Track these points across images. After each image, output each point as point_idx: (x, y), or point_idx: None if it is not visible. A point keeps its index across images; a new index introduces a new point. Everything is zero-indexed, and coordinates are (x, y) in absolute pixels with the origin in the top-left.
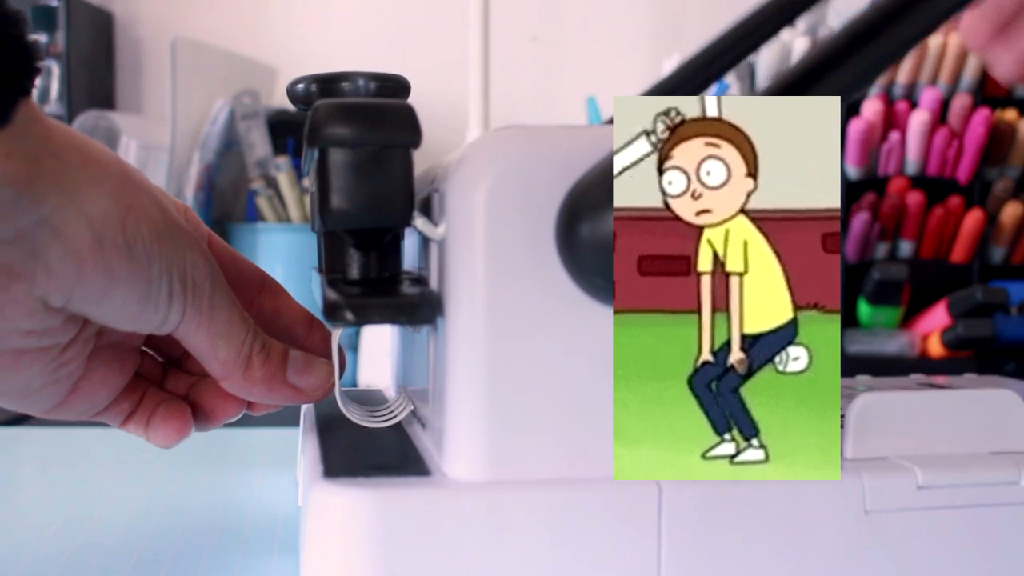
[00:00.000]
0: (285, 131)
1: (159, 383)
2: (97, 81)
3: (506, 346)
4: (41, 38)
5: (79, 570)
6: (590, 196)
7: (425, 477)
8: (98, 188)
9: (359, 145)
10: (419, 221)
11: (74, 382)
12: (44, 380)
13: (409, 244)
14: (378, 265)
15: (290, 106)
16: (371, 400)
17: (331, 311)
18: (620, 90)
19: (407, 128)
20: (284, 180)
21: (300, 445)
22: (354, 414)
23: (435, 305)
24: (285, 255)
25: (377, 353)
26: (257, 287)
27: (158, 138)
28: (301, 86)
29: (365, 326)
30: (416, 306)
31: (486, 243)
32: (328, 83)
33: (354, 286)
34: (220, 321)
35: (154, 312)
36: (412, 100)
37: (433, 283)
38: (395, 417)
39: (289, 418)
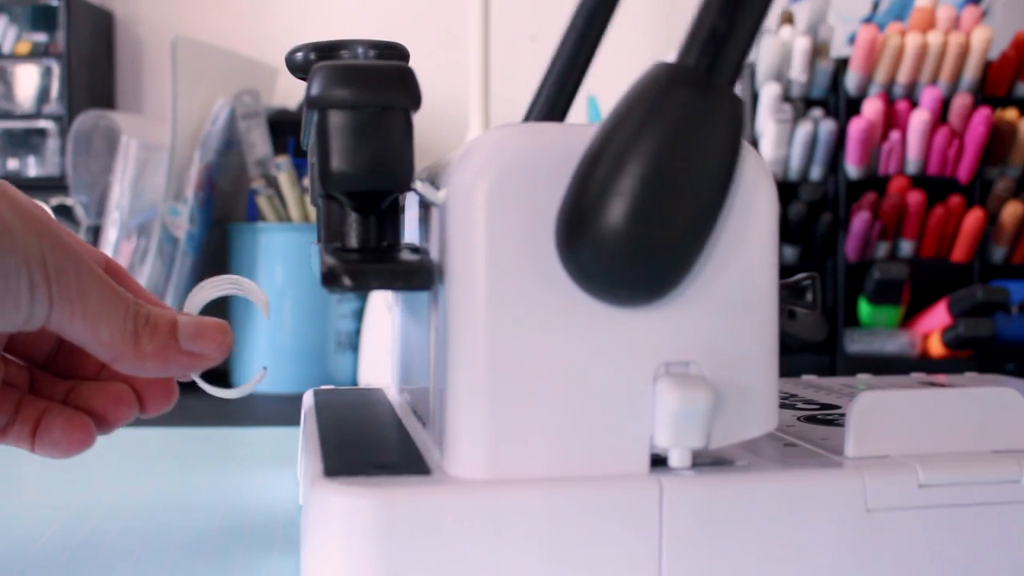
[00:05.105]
0: (285, 131)
1: (27, 389)
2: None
3: (507, 345)
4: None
5: (79, 570)
6: (591, 194)
7: (426, 476)
8: None
9: (358, 107)
10: (420, 185)
11: None
12: None
13: (407, 239)
14: (377, 234)
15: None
16: (372, 398)
17: (329, 277)
18: (620, 90)
19: (407, 90)
20: (284, 180)
21: (301, 444)
22: (211, 387)
23: (433, 271)
24: (285, 255)
25: (377, 352)
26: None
27: (158, 138)
28: (300, 54)
29: (363, 291)
30: (414, 272)
31: (486, 240)
32: (327, 51)
33: (353, 253)
34: (94, 301)
35: (14, 308)
36: None
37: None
38: (249, 386)
39: (289, 417)
